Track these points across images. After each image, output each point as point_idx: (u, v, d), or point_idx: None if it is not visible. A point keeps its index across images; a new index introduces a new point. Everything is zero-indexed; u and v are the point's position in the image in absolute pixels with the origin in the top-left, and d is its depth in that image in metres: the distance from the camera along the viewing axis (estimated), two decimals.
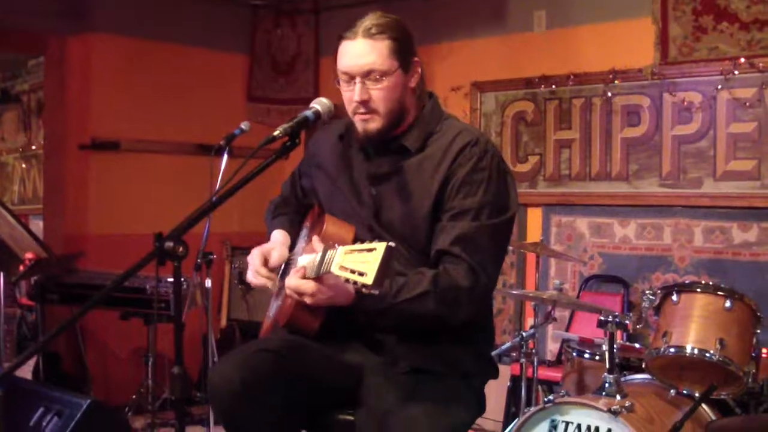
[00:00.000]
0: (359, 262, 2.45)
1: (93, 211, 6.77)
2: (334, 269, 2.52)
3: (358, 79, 2.87)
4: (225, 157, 4.42)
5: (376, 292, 2.46)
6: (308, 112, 2.88)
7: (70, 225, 6.73)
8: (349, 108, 2.95)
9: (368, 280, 2.41)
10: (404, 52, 2.90)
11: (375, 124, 2.92)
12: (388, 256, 2.42)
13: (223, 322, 7.23)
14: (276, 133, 2.77)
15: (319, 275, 2.67)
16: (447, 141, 2.94)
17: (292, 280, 2.77)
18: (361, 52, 2.86)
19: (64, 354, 6.48)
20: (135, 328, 6.17)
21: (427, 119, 3.01)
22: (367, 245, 2.48)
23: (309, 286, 2.72)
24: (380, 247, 2.43)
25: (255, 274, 3.00)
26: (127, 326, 6.18)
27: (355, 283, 2.45)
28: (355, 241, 2.86)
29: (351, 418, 2.91)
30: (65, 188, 6.75)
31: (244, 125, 4.41)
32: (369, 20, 2.88)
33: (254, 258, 3.01)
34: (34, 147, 8.88)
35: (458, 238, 2.83)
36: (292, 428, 2.96)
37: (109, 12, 6.77)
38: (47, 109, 7.02)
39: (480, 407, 3.03)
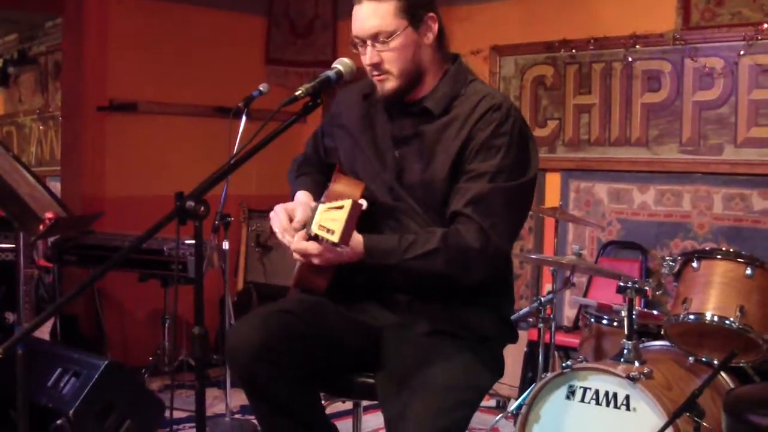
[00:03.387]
0: (330, 220, 2.52)
1: (110, 173, 6.77)
2: (314, 228, 2.57)
3: (368, 43, 2.89)
4: (243, 119, 4.41)
5: (345, 249, 2.52)
6: (330, 72, 2.88)
7: (87, 186, 6.73)
8: (367, 71, 2.97)
9: (335, 237, 2.48)
10: (413, 10, 2.89)
11: (390, 84, 2.93)
12: (354, 214, 2.48)
13: (240, 285, 7.25)
14: (298, 93, 2.76)
15: (309, 237, 2.69)
16: (471, 105, 2.93)
17: (299, 243, 2.78)
18: (366, 15, 2.88)
19: (82, 315, 6.50)
20: (152, 290, 6.19)
21: (452, 82, 3.00)
22: (338, 203, 2.53)
23: (313, 246, 2.73)
24: (347, 204, 2.49)
25: (284, 232, 2.96)
26: (145, 288, 6.20)
27: (327, 241, 2.51)
28: (362, 198, 2.87)
29: (371, 380, 2.92)
30: (83, 150, 6.74)
31: (262, 87, 4.39)
32: None
33: (282, 217, 2.96)
34: (51, 109, 8.87)
35: (472, 199, 2.83)
36: (312, 391, 2.97)
37: None
38: (65, 70, 7.00)
39: (499, 371, 3.04)
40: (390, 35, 2.87)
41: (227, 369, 5.26)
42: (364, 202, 2.50)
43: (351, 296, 3.00)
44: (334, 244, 2.48)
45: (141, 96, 6.82)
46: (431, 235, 2.80)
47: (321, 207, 2.59)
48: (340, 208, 2.50)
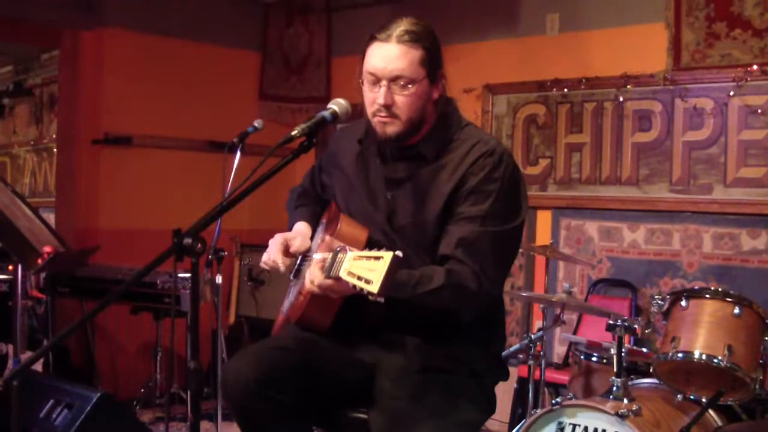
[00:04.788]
0: (366, 270, 2.49)
1: (104, 206, 6.80)
2: (342, 274, 2.55)
3: (384, 83, 2.89)
4: (238, 154, 4.44)
5: (381, 300, 2.48)
6: (326, 113, 2.89)
7: (81, 219, 6.75)
8: (370, 109, 2.97)
9: (374, 288, 2.44)
10: (433, 63, 2.93)
11: (394, 128, 2.94)
12: (394, 266, 2.45)
13: (232, 319, 7.26)
14: (294, 132, 2.79)
15: (329, 276, 2.70)
16: (464, 150, 2.97)
17: (316, 272, 2.77)
18: (392, 56, 2.87)
19: (73, 347, 6.50)
20: (144, 323, 6.20)
21: (446, 127, 3.03)
22: (374, 253, 2.50)
23: (327, 281, 2.73)
24: (387, 256, 2.46)
25: (269, 256, 3.05)
26: (137, 321, 6.21)
27: (361, 290, 2.48)
28: (368, 242, 2.90)
29: (364, 416, 2.94)
30: (77, 182, 6.76)
31: (257, 123, 4.42)
32: (404, 25, 2.89)
33: (276, 242, 3.05)
34: (45, 140, 8.92)
35: (460, 241, 2.86)
36: (306, 425, 2.99)
37: (123, 7, 6.80)
38: (61, 102, 7.04)
39: (491, 407, 3.06)
40: (410, 82, 2.88)
41: (218, 402, 5.27)
42: (400, 254, 2.50)
43: (345, 334, 3.02)
44: (371, 294, 2.45)
45: (136, 129, 6.86)
46: (435, 272, 2.83)
47: (351, 254, 2.57)
48: (378, 258, 2.47)
